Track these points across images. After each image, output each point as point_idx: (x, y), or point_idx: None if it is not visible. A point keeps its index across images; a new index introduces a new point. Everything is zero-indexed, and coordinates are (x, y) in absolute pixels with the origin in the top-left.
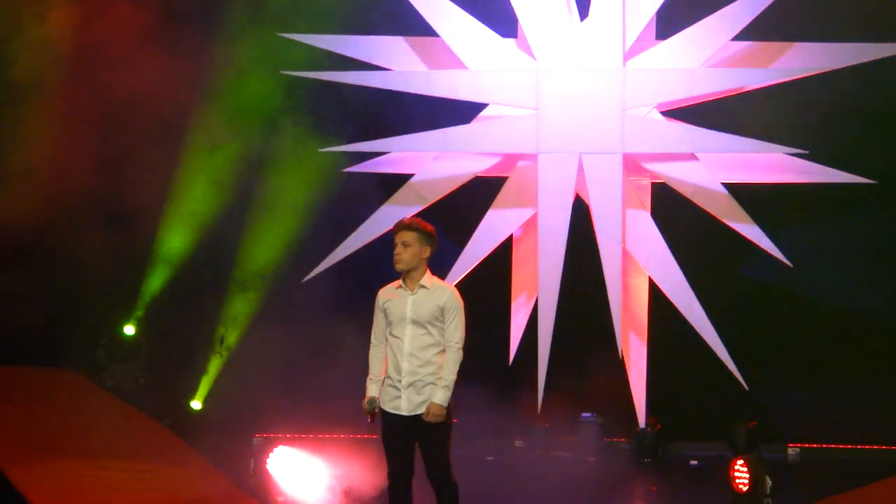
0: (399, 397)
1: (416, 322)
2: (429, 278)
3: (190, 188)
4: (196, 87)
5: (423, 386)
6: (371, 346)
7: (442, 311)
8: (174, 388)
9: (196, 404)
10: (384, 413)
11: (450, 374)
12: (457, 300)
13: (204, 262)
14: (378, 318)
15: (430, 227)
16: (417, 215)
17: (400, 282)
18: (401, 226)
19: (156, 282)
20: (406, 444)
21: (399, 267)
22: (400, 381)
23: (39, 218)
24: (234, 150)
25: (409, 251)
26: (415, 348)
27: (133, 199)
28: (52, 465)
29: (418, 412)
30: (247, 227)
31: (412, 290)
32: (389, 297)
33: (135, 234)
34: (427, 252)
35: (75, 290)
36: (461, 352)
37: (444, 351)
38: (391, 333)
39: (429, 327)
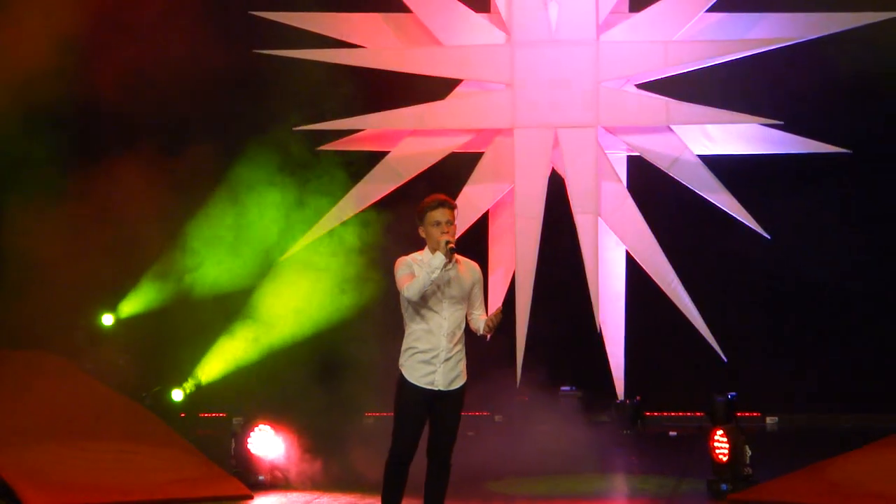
0: (434, 372)
1: (454, 297)
2: (457, 255)
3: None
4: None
5: (457, 362)
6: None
7: (473, 285)
8: (155, 369)
9: (177, 394)
10: (411, 387)
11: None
12: (481, 273)
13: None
14: (408, 274)
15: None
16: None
17: (423, 255)
18: (439, 203)
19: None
20: (423, 421)
21: (453, 245)
22: (437, 357)
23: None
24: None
25: (453, 228)
26: (453, 326)
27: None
28: (33, 448)
29: (452, 387)
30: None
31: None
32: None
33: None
34: (455, 227)
35: (54, 275)
36: None
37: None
38: (425, 306)
39: (463, 303)
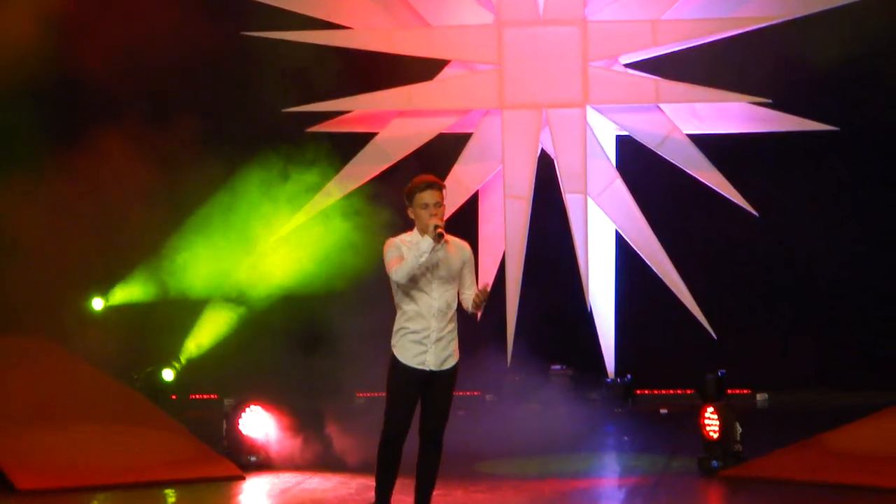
0: (426, 352)
1: (442, 278)
2: (446, 235)
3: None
4: None
5: (449, 342)
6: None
7: (463, 265)
8: (145, 352)
9: (168, 374)
10: (403, 368)
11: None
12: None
13: None
14: (397, 257)
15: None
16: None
17: (412, 236)
18: (427, 184)
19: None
20: (415, 400)
21: (442, 228)
22: (428, 337)
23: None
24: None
25: (441, 209)
26: (443, 305)
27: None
28: (23, 430)
29: (444, 367)
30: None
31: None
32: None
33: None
34: (444, 209)
35: (45, 259)
36: None
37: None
38: (416, 287)
39: (453, 283)
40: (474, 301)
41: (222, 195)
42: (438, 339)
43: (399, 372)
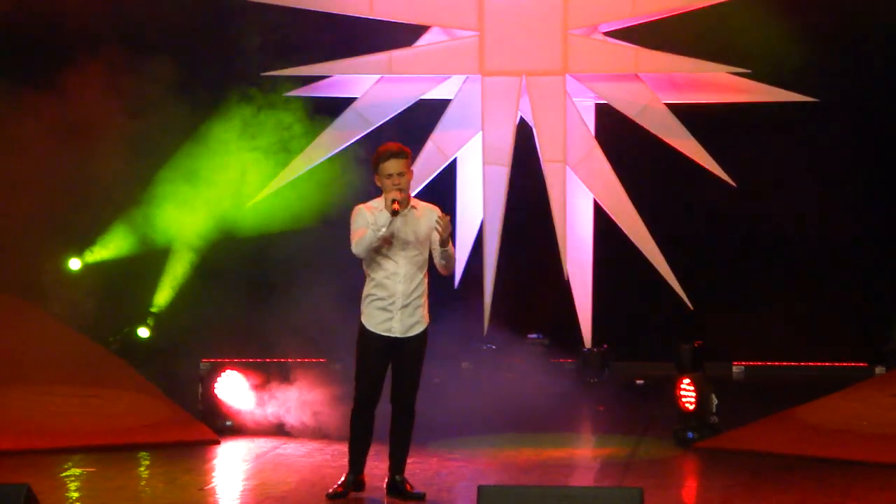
0: (392, 318)
1: (409, 243)
2: (415, 201)
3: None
4: None
5: (416, 308)
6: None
7: (432, 230)
8: (120, 314)
9: (143, 331)
10: (370, 335)
11: (452, 248)
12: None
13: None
14: (361, 228)
15: (409, 150)
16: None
17: (379, 202)
18: (391, 153)
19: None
20: (384, 367)
21: (404, 196)
22: (393, 304)
23: None
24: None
25: (405, 178)
26: (409, 271)
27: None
28: (0, 392)
29: (409, 334)
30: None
31: (403, 213)
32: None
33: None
34: (412, 175)
35: (19, 220)
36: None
37: (427, 274)
38: (383, 255)
39: (421, 248)
40: (439, 234)
41: (195, 142)
42: (405, 306)
43: (366, 338)
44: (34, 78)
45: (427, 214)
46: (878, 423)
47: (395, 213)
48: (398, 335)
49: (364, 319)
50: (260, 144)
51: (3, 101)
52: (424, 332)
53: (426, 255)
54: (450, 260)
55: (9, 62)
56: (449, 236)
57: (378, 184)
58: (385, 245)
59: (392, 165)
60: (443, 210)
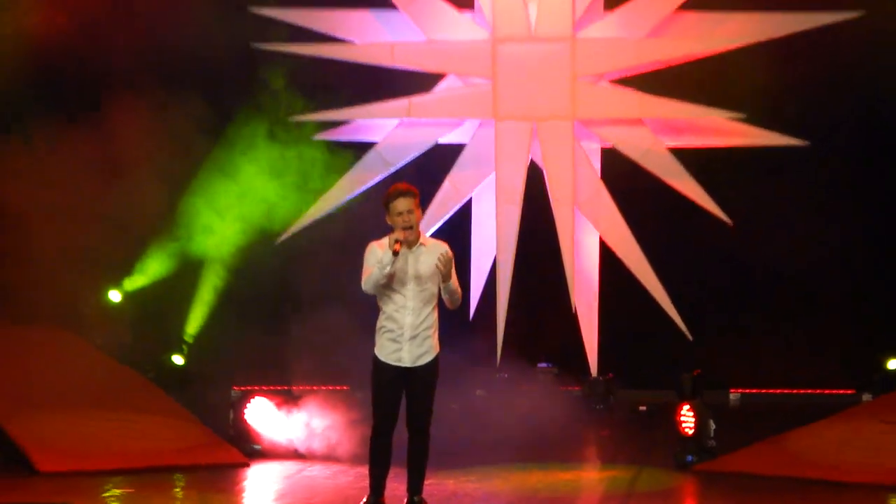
0: (401, 349)
1: (418, 278)
2: (424, 238)
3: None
4: None
5: (424, 339)
6: (363, 281)
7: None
8: (156, 342)
9: (178, 359)
10: (381, 364)
11: (457, 282)
12: (451, 253)
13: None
14: (371, 266)
15: (417, 190)
16: (388, 179)
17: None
18: (399, 193)
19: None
20: (398, 395)
21: (414, 233)
22: (402, 335)
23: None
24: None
25: (414, 216)
26: (417, 304)
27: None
28: (45, 416)
29: (418, 363)
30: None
31: (411, 250)
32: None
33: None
34: (421, 214)
35: (63, 254)
36: (459, 289)
37: (437, 307)
38: (392, 289)
39: (429, 283)
40: (436, 266)
41: (225, 176)
42: (413, 337)
43: (378, 368)
44: (72, 115)
45: (434, 251)
46: (863, 447)
47: (395, 254)
48: (408, 365)
49: (376, 350)
50: (287, 181)
51: (42, 138)
52: (434, 361)
53: (434, 289)
54: (453, 294)
55: (49, 100)
56: (450, 273)
57: (389, 221)
58: (394, 280)
59: (401, 204)
60: (452, 245)
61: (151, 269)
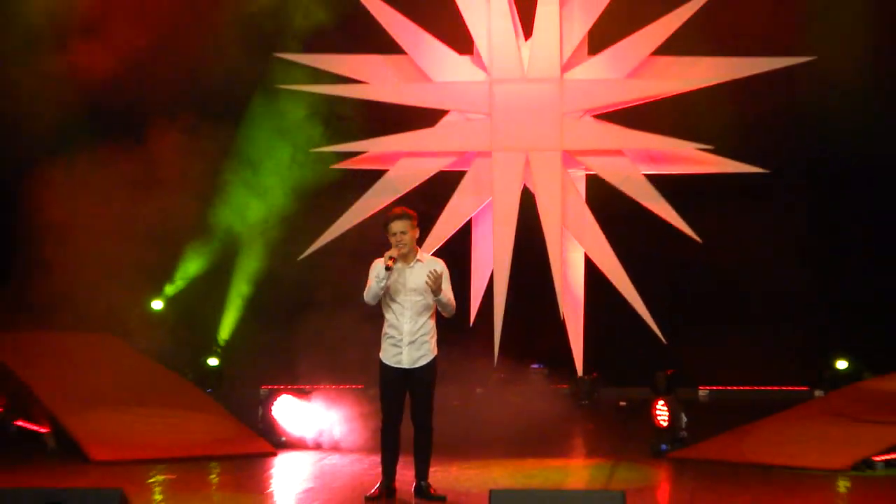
0: (401, 353)
1: (415, 290)
2: (420, 254)
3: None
4: None
5: (421, 344)
6: (365, 293)
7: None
8: (194, 348)
9: (213, 361)
10: (385, 366)
11: (450, 296)
12: (445, 268)
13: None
14: (372, 279)
15: (413, 213)
16: (394, 204)
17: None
18: (395, 216)
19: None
20: (401, 392)
21: (405, 251)
22: (401, 340)
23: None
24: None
25: (407, 236)
26: (414, 313)
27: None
28: (97, 412)
29: (416, 365)
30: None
31: (409, 265)
32: None
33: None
34: (417, 233)
35: (109, 266)
36: (454, 301)
37: (434, 314)
38: (392, 300)
39: (425, 295)
40: (426, 282)
41: (252, 195)
42: (411, 342)
43: (383, 369)
44: (116, 140)
45: (429, 267)
46: (816, 437)
47: (388, 269)
48: (407, 366)
49: (381, 353)
50: (308, 203)
51: (90, 161)
52: (431, 363)
53: (429, 300)
54: (445, 307)
55: (96, 127)
56: (439, 288)
57: (388, 239)
58: (393, 291)
59: (396, 226)
60: (454, 260)
61: (186, 278)
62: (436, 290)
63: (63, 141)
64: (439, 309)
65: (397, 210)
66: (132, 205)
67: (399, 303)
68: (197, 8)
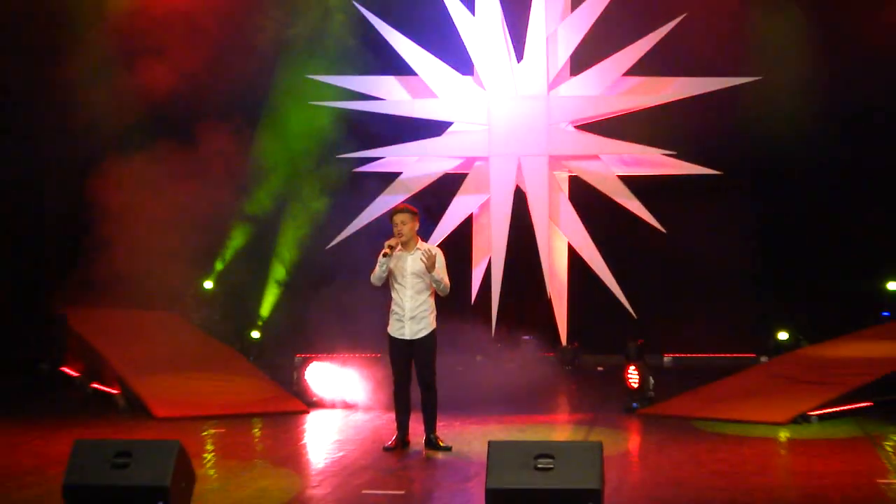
0: (404, 327)
1: (415, 274)
2: (420, 243)
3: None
4: None
5: (421, 319)
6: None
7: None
8: (239, 322)
9: (255, 334)
10: (391, 338)
11: (443, 277)
12: (441, 255)
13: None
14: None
15: (414, 209)
16: (405, 201)
17: (399, 245)
18: (396, 210)
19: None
20: (406, 360)
21: (403, 240)
22: (404, 315)
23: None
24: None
25: (406, 227)
26: (415, 293)
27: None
28: (159, 376)
29: (417, 336)
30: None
31: (410, 252)
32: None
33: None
34: (416, 225)
35: (168, 250)
36: (448, 282)
37: (432, 294)
38: (396, 281)
39: (424, 277)
40: (423, 262)
41: (289, 195)
42: (412, 317)
43: (391, 340)
44: (172, 140)
45: (424, 253)
46: (762, 394)
47: (385, 255)
48: (409, 338)
49: (389, 327)
50: (333, 201)
51: (151, 159)
52: (430, 335)
53: (427, 281)
54: (438, 284)
55: (158, 129)
56: (433, 266)
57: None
58: (397, 275)
59: (398, 218)
60: (457, 249)
61: (234, 265)
62: (429, 266)
63: (127, 142)
64: (435, 288)
65: (399, 206)
66: (185, 196)
67: (402, 284)
68: (243, 31)
